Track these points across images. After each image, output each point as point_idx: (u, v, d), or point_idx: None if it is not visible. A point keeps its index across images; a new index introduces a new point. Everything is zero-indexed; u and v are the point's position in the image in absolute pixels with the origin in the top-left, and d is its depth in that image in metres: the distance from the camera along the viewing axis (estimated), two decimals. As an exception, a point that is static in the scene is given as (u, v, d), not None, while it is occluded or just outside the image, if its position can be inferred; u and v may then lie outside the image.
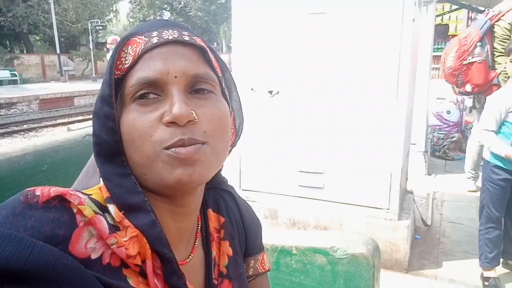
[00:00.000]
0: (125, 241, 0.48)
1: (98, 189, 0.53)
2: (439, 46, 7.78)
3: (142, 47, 0.51)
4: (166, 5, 32.36)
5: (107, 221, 0.49)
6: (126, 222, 0.49)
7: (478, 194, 3.58)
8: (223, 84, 0.59)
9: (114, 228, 0.49)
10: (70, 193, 0.48)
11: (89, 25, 23.58)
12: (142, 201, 0.50)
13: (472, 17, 10.68)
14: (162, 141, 0.48)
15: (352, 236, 1.19)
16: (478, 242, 2.37)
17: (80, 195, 0.49)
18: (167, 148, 0.48)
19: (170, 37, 0.52)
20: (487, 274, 2.32)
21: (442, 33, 8.79)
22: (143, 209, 0.50)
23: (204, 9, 30.72)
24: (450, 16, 10.43)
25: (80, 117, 12.17)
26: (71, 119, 11.80)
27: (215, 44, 34.75)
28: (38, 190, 0.47)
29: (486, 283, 2.29)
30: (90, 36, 23.53)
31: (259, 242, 0.73)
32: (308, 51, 2.51)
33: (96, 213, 0.48)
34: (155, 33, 0.52)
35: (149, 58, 0.51)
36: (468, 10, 8.93)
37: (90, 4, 24.55)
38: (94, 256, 0.47)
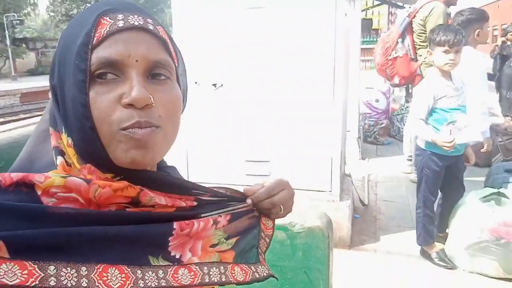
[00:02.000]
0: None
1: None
2: (365, 39, 8.27)
3: (108, 29, 0.52)
4: (90, -2, 30.72)
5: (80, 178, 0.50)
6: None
7: (409, 175, 3.94)
8: (178, 72, 0.62)
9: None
10: (33, 174, 0.48)
11: (5, 19, 21.76)
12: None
13: (392, 12, 11.47)
14: (120, 121, 0.51)
15: (307, 211, 1.30)
16: (416, 224, 2.55)
17: (43, 173, 0.49)
18: (124, 129, 0.51)
19: (136, 23, 0.53)
20: (429, 250, 2.52)
21: (366, 27, 9.36)
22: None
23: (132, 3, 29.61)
24: (373, 11, 11.12)
25: (1, 119, 11.25)
26: (-12, 121, 10.87)
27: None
28: None
29: (435, 258, 2.48)
30: (6, 32, 21.74)
31: None
32: (249, 44, 2.59)
33: (65, 177, 0.49)
34: (120, 16, 0.53)
35: (113, 40, 0.51)
36: (388, 5, 9.56)
37: (4, -4, 22.67)
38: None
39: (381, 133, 5.34)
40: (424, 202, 2.49)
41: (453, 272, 2.41)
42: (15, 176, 0.47)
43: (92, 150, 0.52)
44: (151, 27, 0.55)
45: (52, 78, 0.57)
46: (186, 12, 2.68)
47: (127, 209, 0.52)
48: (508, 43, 6.38)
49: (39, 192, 0.47)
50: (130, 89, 0.51)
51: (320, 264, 1.24)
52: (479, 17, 3.13)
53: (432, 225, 2.54)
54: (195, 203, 0.60)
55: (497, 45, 6.71)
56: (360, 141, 4.70)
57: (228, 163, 2.77)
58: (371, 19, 10.47)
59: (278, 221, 1.37)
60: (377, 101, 5.57)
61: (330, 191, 2.66)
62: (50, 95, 0.60)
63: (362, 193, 3.45)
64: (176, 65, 0.61)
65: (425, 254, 2.55)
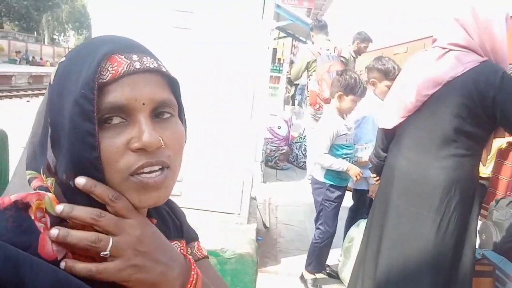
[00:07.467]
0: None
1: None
2: (272, 68, 8.75)
3: (125, 68, 0.51)
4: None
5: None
6: None
7: (306, 200, 4.18)
8: (181, 109, 0.64)
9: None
10: (30, 196, 0.49)
11: None
12: None
13: (295, 45, 12.31)
14: (129, 167, 0.50)
15: (236, 237, 1.34)
16: (311, 252, 2.63)
17: (41, 192, 0.51)
18: (133, 173, 0.50)
19: (151, 66, 0.53)
20: (309, 276, 2.63)
21: (272, 57, 9.90)
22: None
23: (23, -8, 26.90)
24: (278, 42, 11.80)
25: None
26: None
27: (35, 33, 30.64)
28: None
29: (309, 284, 2.62)
30: None
31: (192, 230, 0.81)
32: (172, 62, 2.57)
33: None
34: (135, 57, 0.52)
35: (126, 81, 0.50)
36: (293, 38, 10.26)
37: None
38: (59, 257, 0.49)
39: (281, 158, 5.63)
40: (324, 234, 2.58)
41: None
42: (14, 196, 0.49)
43: None
44: (164, 69, 0.55)
45: (47, 111, 0.54)
46: (106, 23, 2.57)
47: None
48: None
49: (32, 217, 0.49)
50: (140, 133, 0.50)
51: (247, 289, 1.29)
52: None
53: (325, 257, 2.67)
54: None
55: None
56: (262, 165, 4.90)
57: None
58: (276, 49, 11.12)
59: (209, 247, 1.39)
60: (279, 127, 5.88)
61: (239, 213, 2.72)
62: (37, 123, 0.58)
63: (264, 216, 3.59)
64: (179, 100, 0.62)
65: (302, 279, 2.68)
